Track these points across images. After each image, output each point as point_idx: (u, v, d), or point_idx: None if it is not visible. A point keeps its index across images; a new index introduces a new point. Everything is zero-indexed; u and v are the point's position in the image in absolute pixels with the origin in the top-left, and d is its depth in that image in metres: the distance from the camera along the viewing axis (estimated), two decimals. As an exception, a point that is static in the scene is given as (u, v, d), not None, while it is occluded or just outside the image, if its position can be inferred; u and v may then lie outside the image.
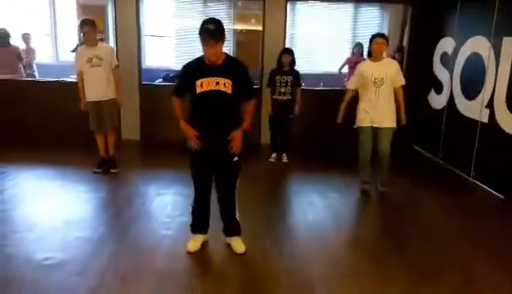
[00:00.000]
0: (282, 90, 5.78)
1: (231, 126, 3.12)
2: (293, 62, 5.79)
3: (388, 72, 4.48)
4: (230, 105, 3.11)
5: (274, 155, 6.03)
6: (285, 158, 6.02)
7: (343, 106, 4.74)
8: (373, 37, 4.58)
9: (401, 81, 4.60)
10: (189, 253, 3.33)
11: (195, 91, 3.05)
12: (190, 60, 3.21)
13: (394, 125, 4.56)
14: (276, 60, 5.87)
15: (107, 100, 5.02)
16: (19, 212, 4.11)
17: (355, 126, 4.68)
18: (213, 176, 3.25)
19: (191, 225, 3.42)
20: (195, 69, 3.11)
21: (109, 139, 5.23)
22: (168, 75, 7.66)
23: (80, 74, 5.01)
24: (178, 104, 3.24)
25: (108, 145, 5.24)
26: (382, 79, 4.46)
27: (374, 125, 4.55)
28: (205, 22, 2.97)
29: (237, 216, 3.38)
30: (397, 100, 4.56)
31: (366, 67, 4.58)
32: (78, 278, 2.95)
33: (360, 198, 4.74)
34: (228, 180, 3.26)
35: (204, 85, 3.03)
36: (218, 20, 3.01)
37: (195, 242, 3.39)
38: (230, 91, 3.03)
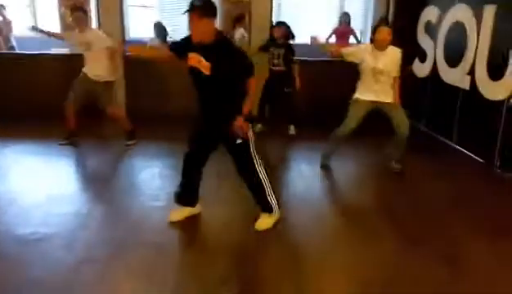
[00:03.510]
0: (275, 61, 5.75)
1: (224, 108, 3.05)
2: (288, 35, 5.68)
3: (389, 62, 4.29)
4: (216, 87, 3.00)
5: (259, 126, 5.94)
6: (292, 130, 5.99)
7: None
8: (377, 26, 4.39)
9: (398, 71, 4.42)
10: (171, 223, 3.37)
11: (185, 62, 3.02)
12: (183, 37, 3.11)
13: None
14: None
15: (100, 81, 5.03)
16: (2, 187, 4.08)
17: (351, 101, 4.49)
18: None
19: (174, 194, 3.42)
20: (186, 43, 3.03)
21: (115, 117, 5.28)
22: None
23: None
24: (162, 50, 3.23)
25: (122, 123, 5.31)
26: (382, 71, 4.28)
27: (378, 99, 4.37)
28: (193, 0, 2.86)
29: (267, 192, 3.27)
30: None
31: (368, 55, 4.31)
32: (65, 252, 2.98)
33: (354, 169, 4.78)
34: (237, 160, 3.21)
35: (191, 60, 2.98)
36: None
37: (177, 213, 3.42)
38: (208, 73, 2.93)
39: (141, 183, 4.32)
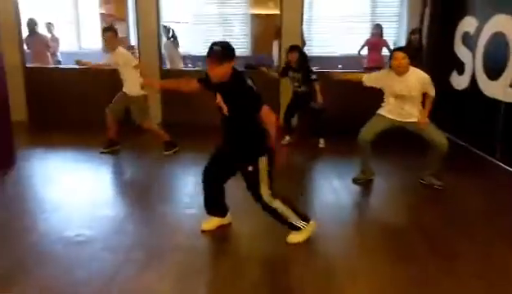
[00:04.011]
0: (296, 84, 5.83)
1: (243, 139, 3.15)
2: (301, 59, 5.71)
3: (412, 88, 4.17)
4: (235, 123, 3.11)
5: (287, 138, 6.04)
6: (321, 144, 6.00)
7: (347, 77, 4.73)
8: (392, 51, 4.35)
9: (430, 92, 4.27)
10: (203, 232, 3.44)
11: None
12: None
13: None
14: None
15: (134, 96, 5.25)
16: (48, 193, 4.29)
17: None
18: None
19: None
20: (208, 80, 3.11)
21: (152, 131, 5.48)
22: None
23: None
24: (187, 81, 3.36)
25: (157, 135, 5.49)
26: (404, 96, 4.19)
27: (401, 119, 4.32)
28: (213, 43, 2.96)
29: (285, 217, 3.23)
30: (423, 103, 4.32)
31: (388, 80, 4.27)
32: (107, 253, 3.10)
33: (384, 183, 4.69)
34: (248, 184, 3.24)
35: (218, 97, 3.08)
36: (227, 42, 3.01)
37: (208, 223, 3.48)
38: (227, 114, 3.06)
39: (177, 190, 4.46)
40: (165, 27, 7.64)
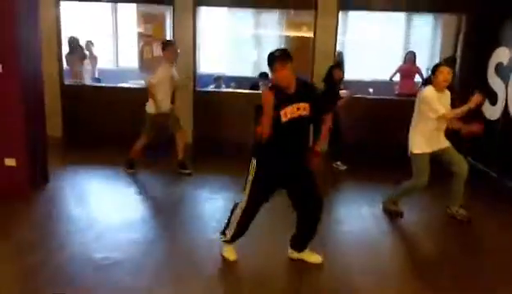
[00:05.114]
0: None
1: (305, 148, 3.31)
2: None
3: (447, 105, 4.20)
4: (308, 128, 3.29)
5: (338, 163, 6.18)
6: (341, 166, 6.12)
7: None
8: (438, 65, 4.21)
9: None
10: (234, 261, 3.50)
11: (279, 120, 3.09)
12: (268, 87, 3.23)
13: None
14: (327, 73, 5.96)
15: (169, 111, 5.50)
16: (79, 212, 4.44)
17: (410, 152, 4.34)
18: (291, 189, 3.33)
19: (233, 236, 3.44)
20: (277, 96, 3.09)
21: (178, 143, 5.64)
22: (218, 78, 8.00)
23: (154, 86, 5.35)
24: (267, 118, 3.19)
25: (177, 150, 5.66)
26: (444, 114, 4.12)
27: (439, 147, 4.28)
28: (273, 51, 3.12)
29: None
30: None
31: (438, 99, 4.17)
32: (133, 278, 3.21)
33: (414, 214, 4.65)
34: (309, 187, 3.30)
35: (288, 113, 3.11)
36: (284, 48, 3.25)
37: (232, 252, 3.53)
38: (309, 114, 3.16)
39: (205, 215, 4.55)
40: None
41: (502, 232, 4.32)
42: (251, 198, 3.28)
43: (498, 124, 5.91)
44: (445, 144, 4.31)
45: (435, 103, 4.10)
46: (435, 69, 4.20)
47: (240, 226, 3.38)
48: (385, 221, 4.46)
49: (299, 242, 3.48)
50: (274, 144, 3.16)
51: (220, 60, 8.64)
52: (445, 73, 4.10)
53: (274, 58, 3.06)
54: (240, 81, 8.24)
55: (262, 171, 3.23)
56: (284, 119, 3.09)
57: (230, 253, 3.51)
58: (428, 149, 4.26)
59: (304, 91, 3.17)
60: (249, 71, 8.91)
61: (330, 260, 3.55)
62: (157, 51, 7.73)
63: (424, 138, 4.25)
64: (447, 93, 4.27)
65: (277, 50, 3.14)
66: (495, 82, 6.06)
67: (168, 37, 7.71)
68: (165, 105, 5.41)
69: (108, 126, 7.11)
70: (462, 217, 4.40)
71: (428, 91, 4.17)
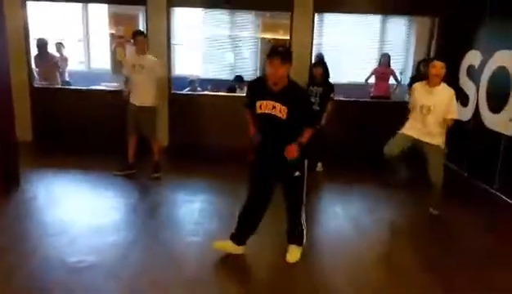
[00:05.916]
0: (313, 99, 5.79)
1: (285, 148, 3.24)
2: (325, 75, 5.82)
3: (438, 102, 4.17)
4: (286, 130, 3.19)
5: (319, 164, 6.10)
6: (319, 167, 6.06)
7: None
8: (430, 60, 4.22)
9: (452, 113, 4.22)
10: (215, 248, 3.48)
11: (255, 110, 3.22)
12: (255, 77, 3.34)
13: (443, 146, 4.33)
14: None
15: (144, 106, 5.29)
16: (52, 216, 4.29)
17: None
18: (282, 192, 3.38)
19: (234, 230, 3.48)
20: (257, 88, 3.24)
21: (153, 146, 5.51)
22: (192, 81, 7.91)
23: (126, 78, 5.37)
24: (250, 115, 3.38)
25: (152, 151, 5.52)
26: (429, 108, 4.19)
27: (420, 138, 4.31)
28: (275, 47, 3.14)
29: (303, 226, 3.47)
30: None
31: (419, 91, 4.33)
32: (109, 281, 3.11)
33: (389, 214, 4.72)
34: (292, 195, 3.37)
35: (263, 107, 3.16)
36: (288, 47, 3.21)
37: (222, 244, 3.49)
38: (284, 117, 3.11)
39: (182, 217, 4.45)
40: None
41: (473, 231, 4.41)
42: (249, 186, 3.41)
43: (469, 125, 6.04)
44: (430, 140, 4.28)
45: (412, 94, 4.34)
46: (427, 62, 4.29)
47: (239, 218, 3.44)
48: (361, 221, 4.47)
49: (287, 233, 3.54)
50: (260, 132, 3.31)
51: (195, 62, 8.54)
52: (438, 68, 4.15)
53: (271, 53, 3.06)
54: (216, 83, 8.17)
55: (255, 159, 3.35)
56: (258, 111, 3.18)
57: (220, 244, 3.50)
58: (408, 132, 4.36)
59: (289, 94, 3.11)
60: (225, 73, 8.86)
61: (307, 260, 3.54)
62: (130, 52, 7.60)
63: (409, 124, 4.39)
64: (443, 91, 4.21)
65: (280, 46, 3.17)
66: (466, 84, 6.19)
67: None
68: (134, 98, 5.27)
69: (79, 129, 6.92)
70: (433, 213, 4.54)
71: (417, 83, 4.44)
